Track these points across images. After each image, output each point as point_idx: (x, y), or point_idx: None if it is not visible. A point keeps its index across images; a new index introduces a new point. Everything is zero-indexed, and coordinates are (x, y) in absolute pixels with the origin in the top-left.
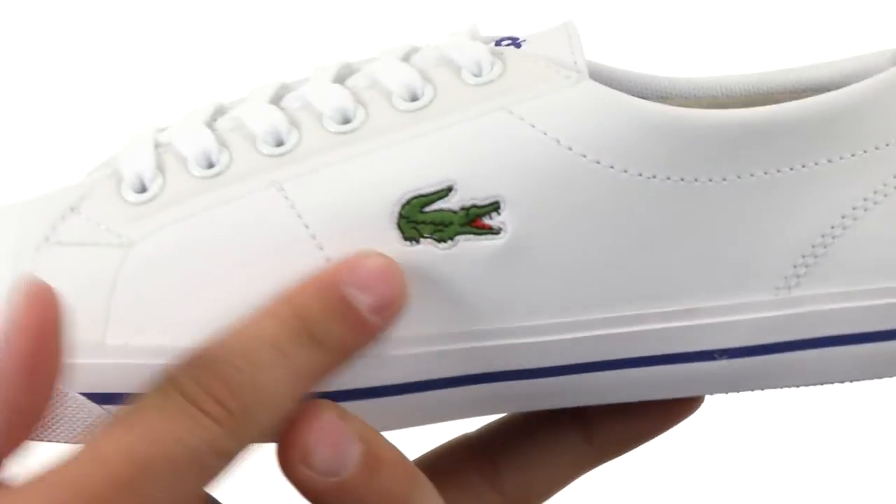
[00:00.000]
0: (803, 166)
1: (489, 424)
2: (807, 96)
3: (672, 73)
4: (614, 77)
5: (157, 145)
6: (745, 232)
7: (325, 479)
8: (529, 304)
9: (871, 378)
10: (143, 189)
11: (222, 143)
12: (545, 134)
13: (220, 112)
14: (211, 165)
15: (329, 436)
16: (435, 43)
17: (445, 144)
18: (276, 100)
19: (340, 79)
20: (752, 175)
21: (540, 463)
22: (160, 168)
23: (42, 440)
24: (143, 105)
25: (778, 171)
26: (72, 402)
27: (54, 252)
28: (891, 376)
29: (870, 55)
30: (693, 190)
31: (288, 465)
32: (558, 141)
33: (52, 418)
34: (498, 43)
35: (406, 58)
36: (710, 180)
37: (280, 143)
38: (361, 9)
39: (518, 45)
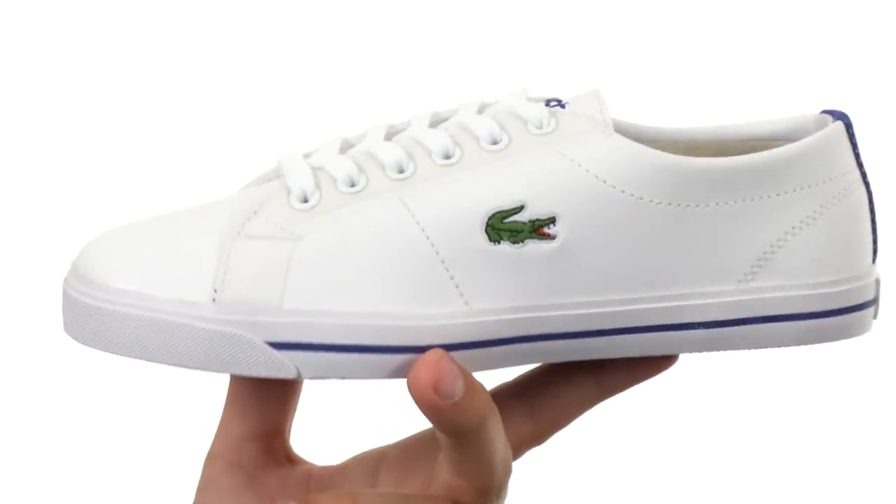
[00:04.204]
0: (760, 198)
1: (524, 374)
2: (752, 144)
3: (659, 122)
4: (621, 128)
5: (314, 168)
6: (717, 241)
7: (445, 402)
8: (573, 288)
9: (802, 345)
10: (305, 200)
11: (361, 170)
12: (587, 171)
13: (347, 145)
14: (353, 185)
15: (447, 372)
16: (502, 101)
17: (519, 177)
18: (390, 138)
19: (434, 124)
20: (725, 203)
21: (562, 399)
22: (317, 185)
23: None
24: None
25: (741, 200)
26: (257, 348)
27: (245, 243)
28: (817, 343)
29: (798, 116)
30: (684, 212)
31: (422, 392)
32: (596, 176)
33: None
34: (548, 103)
35: (481, 110)
36: (697, 206)
37: (402, 171)
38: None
39: (563, 107)
